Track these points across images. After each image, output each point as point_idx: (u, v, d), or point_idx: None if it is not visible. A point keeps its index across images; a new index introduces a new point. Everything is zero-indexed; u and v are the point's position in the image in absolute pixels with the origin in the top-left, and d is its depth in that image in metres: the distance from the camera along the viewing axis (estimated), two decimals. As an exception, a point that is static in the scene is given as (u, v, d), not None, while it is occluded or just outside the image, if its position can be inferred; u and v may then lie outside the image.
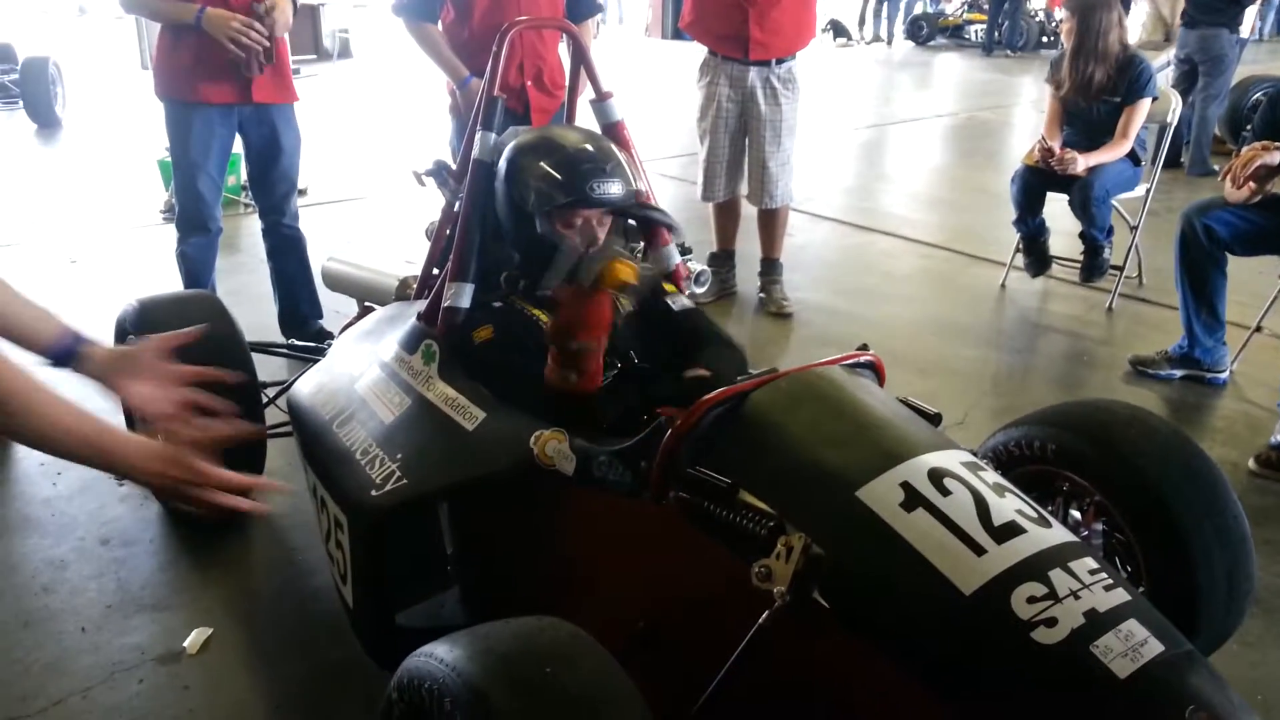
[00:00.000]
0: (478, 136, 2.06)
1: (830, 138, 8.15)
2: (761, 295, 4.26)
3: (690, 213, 4.74)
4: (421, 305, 2.16)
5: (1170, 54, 6.58)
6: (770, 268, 4.25)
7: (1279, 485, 2.84)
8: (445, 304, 2.01)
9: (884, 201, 6.08)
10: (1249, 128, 3.40)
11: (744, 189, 4.17)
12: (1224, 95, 6.69)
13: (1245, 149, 3.01)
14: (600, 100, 2.21)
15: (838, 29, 16.23)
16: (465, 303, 2.00)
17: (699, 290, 2.58)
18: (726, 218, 4.28)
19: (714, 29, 3.93)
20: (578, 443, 1.63)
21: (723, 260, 4.34)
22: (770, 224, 4.19)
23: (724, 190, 4.13)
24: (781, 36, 3.87)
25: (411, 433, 1.87)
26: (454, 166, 2.37)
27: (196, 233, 3.41)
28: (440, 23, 3.33)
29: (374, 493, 1.77)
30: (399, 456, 1.82)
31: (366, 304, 2.94)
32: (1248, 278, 3.70)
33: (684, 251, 2.36)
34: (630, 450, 1.54)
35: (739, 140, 4.04)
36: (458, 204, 2.16)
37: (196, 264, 3.45)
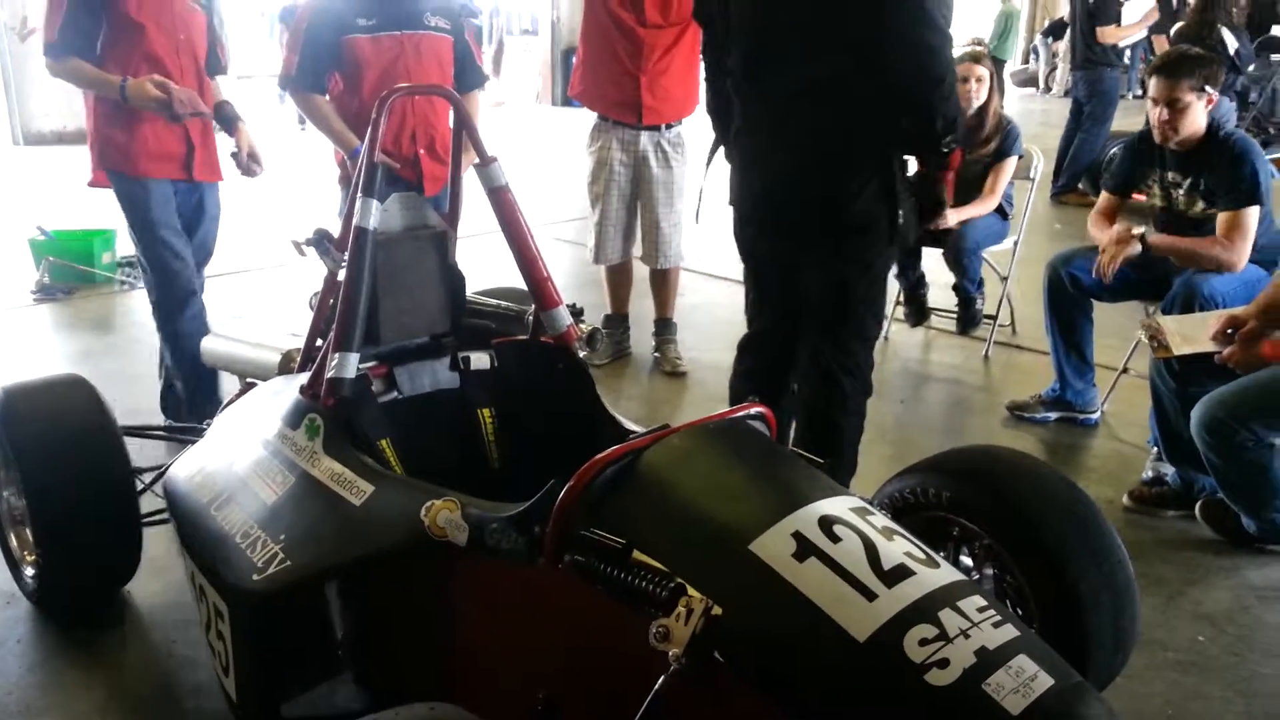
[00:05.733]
0: (359, 203, 2.04)
1: (720, 198, 8.35)
2: (656, 355, 4.30)
3: (584, 276, 4.77)
4: (305, 378, 2.10)
5: None
6: (664, 327, 4.30)
7: (1151, 520, 2.96)
8: (329, 375, 1.97)
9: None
10: (1105, 177, 3.64)
11: (636, 251, 4.23)
12: (1107, 122, 7.31)
13: (1106, 243, 3.22)
14: (484, 165, 2.22)
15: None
16: (350, 373, 1.96)
17: (593, 350, 2.60)
18: (620, 280, 4.32)
19: (606, 96, 4.02)
20: (470, 511, 1.60)
21: (617, 322, 4.37)
22: (663, 284, 4.25)
23: (617, 253, 4.18)
24: (671, 102, 3.99)
25: (295, 512, 1.80)
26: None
27: (187, 304, 3.29)
28: (329, 94, 3.32)
29: (255, 577, 1.70)
30: (282, 537, 1.75)
31: (249, 380, 2.85)
32: (1113, 321, 3.90)
33: (576, 313, 2.38)
34: (523, 515, 1.52)
35: (631, 203, 4.11)
36: (341, 273, 2.12)
37: (196, 341, 3.16)
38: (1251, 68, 7.56)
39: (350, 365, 1.97)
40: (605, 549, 1.43)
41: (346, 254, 2.05)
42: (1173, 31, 6.97)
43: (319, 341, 2.30)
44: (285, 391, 2.17)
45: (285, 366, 2.63)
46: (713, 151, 2.73)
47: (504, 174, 2.23)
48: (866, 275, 2.49)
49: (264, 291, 5.46)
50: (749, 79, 2.46)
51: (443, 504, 1.62)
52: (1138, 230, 3.21)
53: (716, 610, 1.32)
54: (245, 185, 3.65)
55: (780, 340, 2.68)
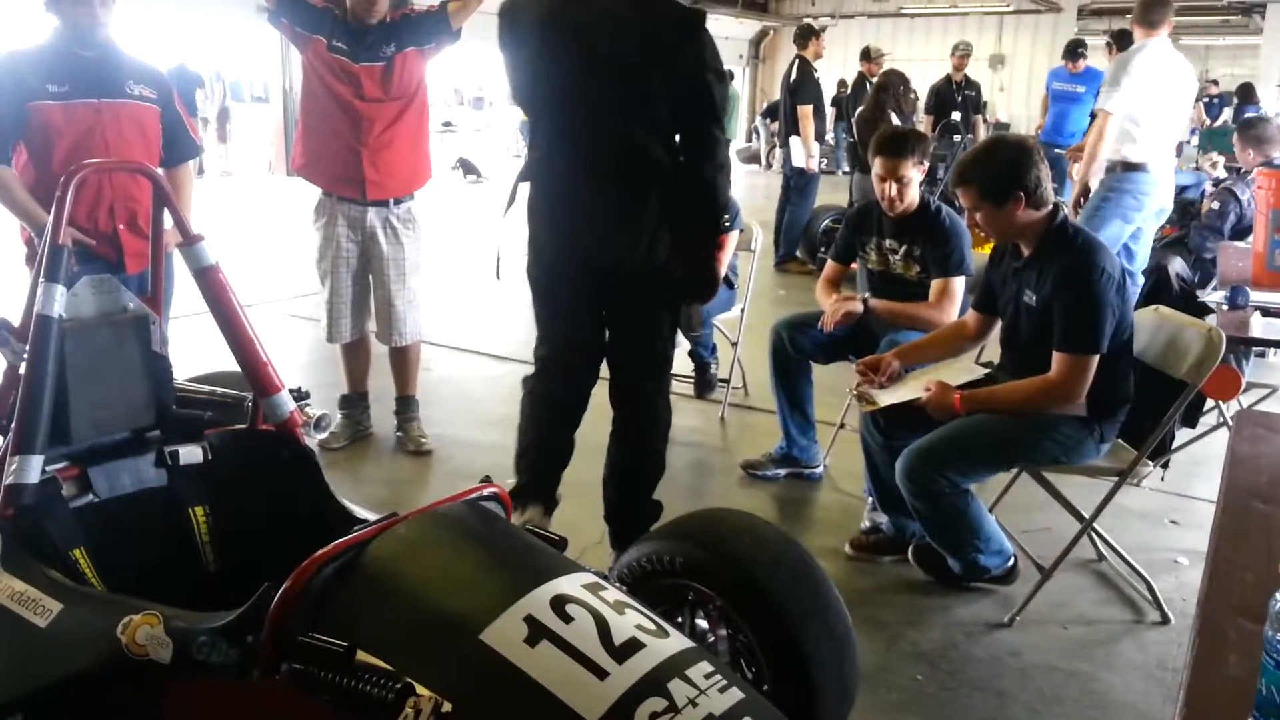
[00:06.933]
0: (41, 288, 1.86)
1: (467, 271, 8.31)
2: (399, 434, 4.17)
3: (321, 354, 4.57)
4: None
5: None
6: (405, 405, 4.19)
7: (871, 566, 3.18)
8: (7, 482, 1.76)
9: (522, 331, 6.26)
10: (822, 250, 3.97)
11: (373, 326, 4.11)
12: (811, 195, 7.89)
13: (832, 302, 3.58)
14: (188, 244, 2.09)
15: (467, 167, 16.79)
16: (32, 478, 1.76)
17: (321, 436, 2.49)
18: (356, 358, 4.17)
19: (328, 171, 3.89)
20: (175, 624, 1.46)
21: (355, 402, 4.21)
22: (402, 361, 4.14)
23: (350, 331, 4.04)
24: (397, 177, 3.92)
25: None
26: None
27: None
28: (14, 165, 3.03)
29: None
30: None
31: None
32: (832, 380, 4.22)
33: (300, 397, 2.27)
34: (234, 624, 1.41)
35: (362, 279, 3.99)
36: (23, 366, 1.91)
37: None
38: (933, 148, 8.57)
39: (32, 469, 1.77)
40: (326, 654, 1.35)
41: (27, 346, 1.86)
42: (855, 115, 7.77)
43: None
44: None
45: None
46: (510, 203, 2.89)
47: (211, 253, 2.10)
48: (672, 317, 2.93)
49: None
50: (566, 142, 2.71)
51: (142, 618, 1.48)
52: (861, 296, 3.55)
53: (447, 707, 1.28)
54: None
55: (580, 367, 2.95)
